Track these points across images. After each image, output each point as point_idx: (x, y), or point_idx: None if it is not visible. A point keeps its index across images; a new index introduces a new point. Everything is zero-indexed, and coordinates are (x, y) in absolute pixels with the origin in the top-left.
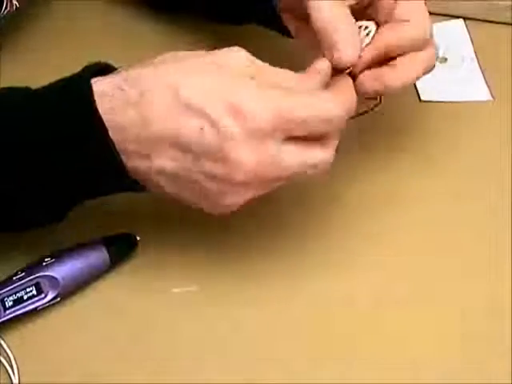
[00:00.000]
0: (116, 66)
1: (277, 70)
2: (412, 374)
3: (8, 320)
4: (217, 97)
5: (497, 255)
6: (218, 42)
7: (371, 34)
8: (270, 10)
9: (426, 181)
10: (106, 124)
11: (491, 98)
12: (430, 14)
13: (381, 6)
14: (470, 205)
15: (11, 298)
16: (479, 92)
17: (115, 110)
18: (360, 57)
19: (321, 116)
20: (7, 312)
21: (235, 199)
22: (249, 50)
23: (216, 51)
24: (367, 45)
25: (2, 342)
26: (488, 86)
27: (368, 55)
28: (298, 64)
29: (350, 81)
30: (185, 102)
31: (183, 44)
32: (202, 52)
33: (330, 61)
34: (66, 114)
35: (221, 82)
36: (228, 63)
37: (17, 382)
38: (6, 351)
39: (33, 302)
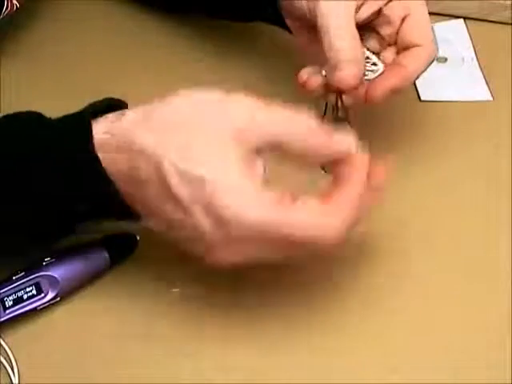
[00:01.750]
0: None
1: (289, 130)
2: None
3: (8, 320)
4: (201, 197)
5: (496, 255)
6: (221, 40)
7: (377, 73)
8: (273, 8)
9: (425, 180)
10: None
11: (491, 98)
12: (430, 14)
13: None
14: (468, 205)
15: (11, 298)
16: (479, 92)
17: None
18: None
19: (317, 241)
20: (7, 312)
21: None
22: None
23: (213, 113)
24: (371, 79)
25: (2, 342)
26: (488, 86)
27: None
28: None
29: (357, 190)
30: (170, 191)
31: (186, 44)
32: (198, 116)
33: (331, 79)
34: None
35: (208, 179)
36: (223, 138)
37: (16, 381)
38: (5, 351)
39: (33, 302)
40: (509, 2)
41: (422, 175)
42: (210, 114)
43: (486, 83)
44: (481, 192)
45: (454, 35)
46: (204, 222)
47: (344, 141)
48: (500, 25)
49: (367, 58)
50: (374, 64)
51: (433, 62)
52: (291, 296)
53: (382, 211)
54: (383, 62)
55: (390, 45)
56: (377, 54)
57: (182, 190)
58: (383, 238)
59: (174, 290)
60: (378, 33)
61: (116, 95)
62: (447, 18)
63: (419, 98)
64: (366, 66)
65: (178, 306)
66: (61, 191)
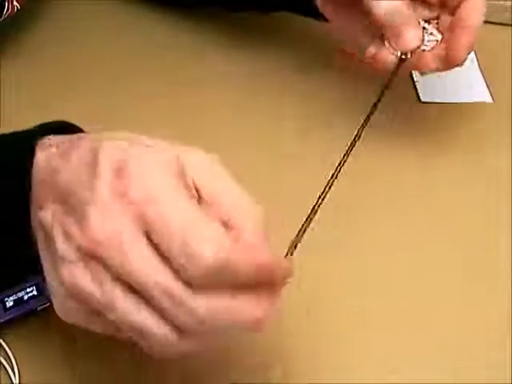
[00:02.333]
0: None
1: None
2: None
3: (8, 320)
4: (117, 156)
5: (496, 255)
6: (226, 38)
7: (435, 43)
8: None
9: (425, 181)
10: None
11: (491, 100)
12: None
13: None
14: (468, 206)
15: (12, 298)
16: (479, 93)
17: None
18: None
19: (187, 246)
20: (7, 312)
21: (71, 274)
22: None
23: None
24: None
25: (3, 343)
26: (488, 88)
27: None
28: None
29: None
30: (94, 157)
31: (189, 43)
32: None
33: (394, 47)
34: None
35: (137, 155)
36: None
37: (17, 382)
38: (6, 352)
39: (33, 303)
40: (509, 4)
41: (422, 176)
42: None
43: (486, 84)
44: (481, 193)
45: None
46: (103, 173)
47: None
48: (500, 26)
49: (423, 28)
50: (431, 34)
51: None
52: None
53: (381, 211)
54: (439, 30)
55: (441, 9)
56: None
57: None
58: (382, 238)
59: None
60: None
61: (118, 96)
62: None
63: (419, 99)
64: (423, 36)
65: None
66: None
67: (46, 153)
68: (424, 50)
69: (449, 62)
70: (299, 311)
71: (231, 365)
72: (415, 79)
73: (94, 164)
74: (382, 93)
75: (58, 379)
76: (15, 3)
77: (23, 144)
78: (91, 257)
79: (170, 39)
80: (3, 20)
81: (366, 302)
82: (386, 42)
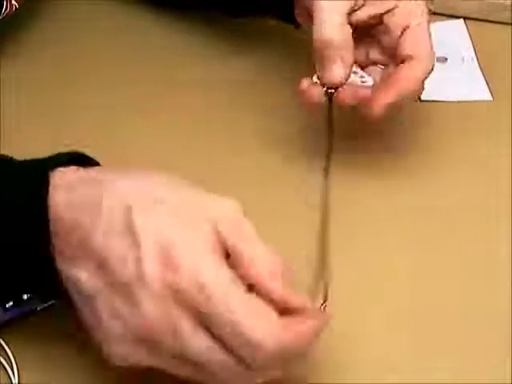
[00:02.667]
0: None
1: (259, 249)
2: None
3: (8, 320)
4: (161, 237)
5: (497, 255)
6: (227, 40)
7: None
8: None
9: (424, 180)
10: (51, 214)
11: (491, 98)
12: (431, 13)
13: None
14: (468, 204)
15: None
16: (479, 92)
17: (65, 206)
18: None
19: (245, 337)
20: (7, 312)
21: (121, 351)
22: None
23: (204, 198)
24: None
25: (2, 343)
26: (488, 86)
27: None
28: None
29: (316, 325)
30: (129, 225)
31: (188, 44)
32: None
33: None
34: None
35: (175, 226)
36: (201, 207)
37: (16, 382)
38: (6, 352)
39: (33, 303)
40: (509, 2)
41: (422, 175)
42: (199, 195)
43: (486, 83)
44: (481, 191)
45: (454, 35)
46: (150, 262)
47: (298, 299)
48: (500, 25)
49: (354, 72)
50: (363, 78)
51: (427, 76)
52: None
53: (381, 211)
54: (371, 76)
55: (392, 57)
56: (365, 68)
57: (143, 226)
58: (382, 239)
59: None
60: (379, 42)
61: (118, 96)
62: (447, 17)
63: (419, 97)
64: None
65: None
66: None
67: (64, 197)
68: None
69: (365, 111)
70: None
71: None
72: None
73: (131, 238)
74: (330, 129)
75: (57, 379)
76: (13, 2)
77: (35, 180)
78: (143, 340)
79: (172, 40)
80: (2, 19)
81: (365, 301)
82: (315, 75)
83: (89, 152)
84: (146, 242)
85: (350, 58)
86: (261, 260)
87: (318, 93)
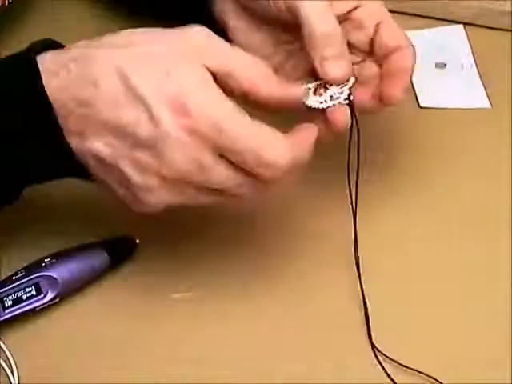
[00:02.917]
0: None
1: (242, 61)
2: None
3: (7, 320)
4: (164, 91)
5: (497, 257)
6: None
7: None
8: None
9: (424, 186)
10: (51, 100)
11: (489, 105)
12: (430, 19)
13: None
14: (468, 211)
15: (10, 298)
16: (478, 99)
17: (60, 89)
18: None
19: (261, 159)
20: (6, 312)
21: (157, 198)
22: None
23: (173, 33)
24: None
25: (1, 343)
26: (487, 93)
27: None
28: None
29: (314, 133)
30: (132, 91)
31: None
32: (158, 34)
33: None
34: (11, 89)
35: (172, 76)
36: (183, 50)
37: (16, 382)
38: (4, 351)
39: (32, 302)
40: (509, 9)
41: (421, 181)
42: (170, 33)
43: (485, 90)
44: (480, 197)
45: (453, 41)
46: (165, 116)
47: (296, 88)
48: (499, 31)
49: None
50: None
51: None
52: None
53: (383, 214)
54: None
55: (368, 55)
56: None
57: (145, 87)
58: (383, 240)
59: (174, 295)
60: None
61: None
62: (446, 23)
63: (418, 104)
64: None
65: (178, 309)
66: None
67: (56, 80)
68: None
69: (384, 103)
70: (299, 310)
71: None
72: (415, 85)
73: (137, 102)
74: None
75: (56, 380)
76: None
77: (24, 68)
78: (174, 183)
79: None
80: None
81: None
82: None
83: None
84: (152, 99)
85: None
86: (249, 68)
87: (345, 113)
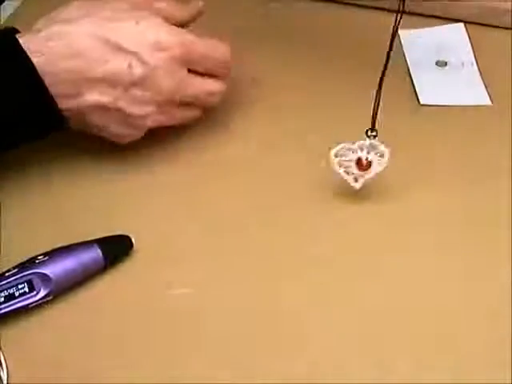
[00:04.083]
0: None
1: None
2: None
3: None
4: (140, 37)
5: (497, 258)
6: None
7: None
8: None
9: (424, 183)
10: (39, 70)
11: (490, 103)
12: (431, 17)
13: None
14: (468, 208)
15: (2, 294)
16: (479, 96)
17: (48, 60)
18: None
19: (219, 57)
20: None
21: (153, 121)
22: None
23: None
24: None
25: None
26: (487, 91)
27: None
28: None
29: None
30: (116, 46)
31: None
32: None
33: None
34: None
35: (140, 25)
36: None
37: (5, 379)
38: None
39: (24, 299)
40: (509, 7)
41: (421, 178)
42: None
43: (486, 88)
44: (481, 195)
45: (454, 39)
46: (149, 55)
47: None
48: (500, 29)
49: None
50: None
51: None
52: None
53: (383, 213)
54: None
55: None
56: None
57: (125, 40)
58: (384, 240)
59: (170, 292)
60: None
61: None
62: (447, 21)
63: (418, 101)
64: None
65: (173, 308)
66: None
67: (40, 57)
68: None
69: None
70: (299, 309)
71: None
72: (415, 82)
73: (123, 53)
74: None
75: (47, 378)
76: None
77: (11, 49)
78: (164, 104)
79: None
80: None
81: (365, 301)
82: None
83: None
84: (135, 47)
85: None
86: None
87: None
